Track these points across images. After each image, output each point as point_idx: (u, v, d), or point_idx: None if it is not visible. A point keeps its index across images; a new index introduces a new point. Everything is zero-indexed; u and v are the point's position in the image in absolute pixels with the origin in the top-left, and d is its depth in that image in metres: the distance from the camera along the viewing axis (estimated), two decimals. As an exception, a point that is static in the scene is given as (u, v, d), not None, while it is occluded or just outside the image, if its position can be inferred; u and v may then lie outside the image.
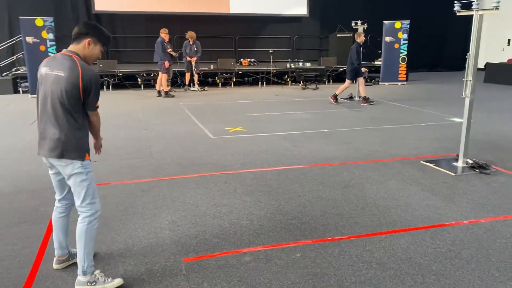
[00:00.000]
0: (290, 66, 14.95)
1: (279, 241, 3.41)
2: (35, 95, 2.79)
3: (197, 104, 10.50)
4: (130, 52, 15.82)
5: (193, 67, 12.93)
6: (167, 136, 7.10)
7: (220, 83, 14.22)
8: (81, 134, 2.67)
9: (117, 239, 3.47)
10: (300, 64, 15.16)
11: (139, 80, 13.39)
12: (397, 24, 14.55)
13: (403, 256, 3.15)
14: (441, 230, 3.58)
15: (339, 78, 15.50)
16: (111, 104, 10.44)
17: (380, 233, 3.53)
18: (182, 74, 13.42)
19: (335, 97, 10.65)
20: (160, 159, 5.80)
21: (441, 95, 12.05)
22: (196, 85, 13.18)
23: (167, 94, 11.76)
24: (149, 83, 13.53)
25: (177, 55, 12.45)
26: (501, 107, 9.88)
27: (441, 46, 19.67)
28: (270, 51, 13.75)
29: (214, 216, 3.90)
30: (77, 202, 2.73)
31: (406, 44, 14.63)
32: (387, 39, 14.68)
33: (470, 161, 5.34)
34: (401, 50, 14.68)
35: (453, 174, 5.07)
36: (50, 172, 2.83)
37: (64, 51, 2.68)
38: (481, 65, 19.83)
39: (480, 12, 4.95)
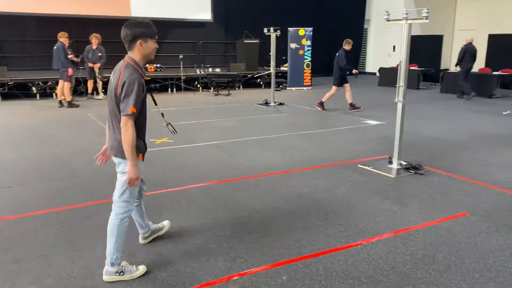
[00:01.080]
0: (200, 72, 14.64)
1: (259, 263, 3.16)
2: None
3: (109, 114, 9.68)
4: (20, 58, 14.12)
5: (97, 74, 11.96)
6: (87, 152, 6.37)
7: (126, 91, 13.34)
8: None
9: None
10: (210, 70, 14.93)
11: (33, 89, 11.99)
12: (301, 31, 15.08)
13: (386, 267, 3.12)
14: (408, 235, 3.64)
15: (248, 84, 15.60)
16: (7, 117, 9.15)
17: (355, 244, 3.47)
18: (84, 82, 12.34)
19: (322, 104, 10.51)
20: (88, 179, 5.15)
21: (346, 99, 12.70)
22: (101, 93, 12.21)
23: (70, 104, 10.68)
24: (45, 92, 12.21)
25: (79, 59, 11.39)
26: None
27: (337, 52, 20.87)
28: (180, 56, 13.31)
29: (178, 242, 3.51)
30: (115, 196, 2.92)
31: (310, 51, 15.24)
32: (292, 45, 15.13)
33: (404, 163, 5.61)
34: (306, 56, 15.25)
35: (393, 176, 5.27)
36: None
37: (125, 58, 2.83)
38: (373, 69, 21.59)
39: (409, 21, 5.22)
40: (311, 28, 15.16)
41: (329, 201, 4.44)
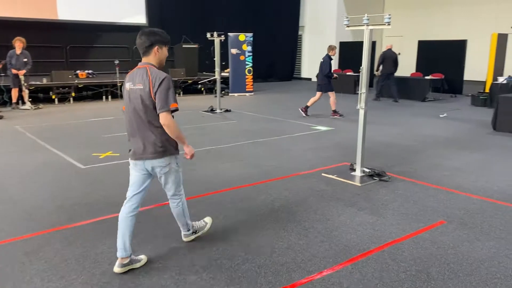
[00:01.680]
0: (137, 79, 13.87)
1: (248, 296, 2.82)
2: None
3: (41, 126, 8.77)
4: None
5: (22, 82, 10.87)
6: (20, 171, 5.62)
7: (56, 99, 12.29)
8: (167, 136, 3.02)
9: None
10: (147, 76, 14.19)
11: None
12: (242, 37, 14.88)
13: (384, 288, 2.92)
14: (395, 249, 3.48)
15: (188, 90, 15.09)
16: None
17: (344, 264, 3.24)
18: (8, 90, 11.17)
19: (306, 108, 10.30)
20: (26, 203, 4.48)
21: (289, 104, 12.68)
22: (28, 103, 11.12)
23: (-7, 115, 9.57)
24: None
25: (1, 66, 10.26)
26: (349, 113, 10.82)
27: (274, 58, 20.98)
28: (116, 62, 12.50)
29: (158, 276, 3.06)
30: (171, 192, 3.27)
31: (251, 56, 15.08)
32: (233, 51, 14.88)
33: (367, 170, 5.53)
34: (247, 62, 15.06)
35: (359, 185, 5.16)
36: (133, 169, 3.14)
37: (139, 64, 2.98)
38: (308, 75, 21.96)
39: (370, 27, 5.16)
40: (251, 34, 15.01)
41: (304, 215, 4.19)
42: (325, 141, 7.63)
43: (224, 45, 14.66)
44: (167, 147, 3.04)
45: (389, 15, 4.91)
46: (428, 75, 14.25)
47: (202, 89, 15.20)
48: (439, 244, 3.57)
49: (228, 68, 15.25)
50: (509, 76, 12.04)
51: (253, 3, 19.86)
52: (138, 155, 3.04)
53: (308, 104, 10.44)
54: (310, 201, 4.58)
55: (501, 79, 11.97)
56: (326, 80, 10.11)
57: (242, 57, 14.96)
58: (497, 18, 18.00)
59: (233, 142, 7.43)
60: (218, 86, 11.30)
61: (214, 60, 11.32)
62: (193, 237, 3.55)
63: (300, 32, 22.03)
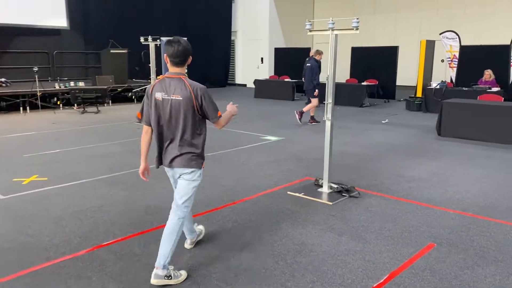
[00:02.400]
0: (60, 87, 12.54)
1: None
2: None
3: None
4: None
5: None
6: None
7: (-37, 112, 10.67)
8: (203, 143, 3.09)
9: None
10: (72, 84, 12.90)
11: None
12: (175, 41, 14.04)
13: None
14: (396, 285, 3.04)
15: (118, 98, 13.95)
16: None
17: (347, 310, 2.73)
18: None
19: (301, 113, 9.95)
20: None
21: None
22: None
23: None
24: None
25: None
26: (290, 121, 10.48)
27: (208, 64, 20.33)
28: (35, 69, 11.11)
29: None
30: (179, 201, 3.08)
31: (186, 62, 14.29)
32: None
33: (335, 185, 5.12)
34: (181, 68, 14.24)
35: (330, 203, 4.71)
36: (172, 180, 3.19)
37: (169, 74, 2.96)
38: (242, 81, 21.57)
39: (335, 32, 4.75)
40: (185, 38, 14.18)
41: (281, 246, 3.63)
42: (280, 152, 7.16)
43: (156, 50, 13.80)
44: (199, 159, 3.08)
45: (357, 18, 4.53)
46: (363, 81, 14.44)
47: (133, 97, 14.14)
48: (440, 274, 3.19)
49: (161, 74, 14.31)
50: (442, 81, 12.47)
51: (183, 7, 19.08)
52: (171, 162, 3.04)
53: (311, 113, 10.17)
54: (284, 228, 4.04)
55: (434, 84, 12.35)
56: (312, 86, 9.90)
57: (176, 63, 14.11)
58: (421, 25, 18.86)
59: (179, 158, 6.70)
60: (154, 95, 10.41)
61: (149, 66, 10.44)
62: (164, 282, 3.01)
63: (233, 37, 21.59)
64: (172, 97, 2.87)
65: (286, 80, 16.02)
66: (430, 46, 14.70)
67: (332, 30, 4.74)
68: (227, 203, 4.67)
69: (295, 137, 8.49)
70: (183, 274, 3.09)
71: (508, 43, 13.26)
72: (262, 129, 9.29)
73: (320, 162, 6.38)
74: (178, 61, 2.90)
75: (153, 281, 2.97)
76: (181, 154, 2.98)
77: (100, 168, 6.07)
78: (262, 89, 16.38)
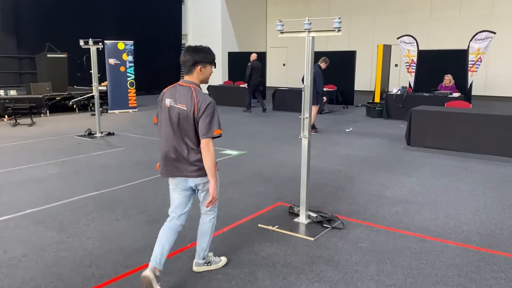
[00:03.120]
0: (-14, 96, 11.02)
1: None
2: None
3: None
4: None
5: None
6: None
7: None
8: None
9: None
10: (1, 92, 11.39)
11: None
12: (121, 45, 12.90)
13: None
14: None
15: (57, 108, 12.55)
16: None
17: None
18: None
19: (313, 127, 9.21)
20: None
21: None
22: None
23: None
24: None
25: None
26: (249, 131, 9.71)
27: (158, 69, 19.18)
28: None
29: None
30: (205, 208, 3.09)
31: (133, 67, 13.16)
32: (111, 61, 12.82)
33: (313, 214, 4.36)
34: (128, 74, 13.11)
35: (312, 239, 3.94)
36: (175, 191, 3.06)
37: (182, 81, 2.93)
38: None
39: (312, 34, 4.01)
40: (131, 42, 13.10)
41: (262, 310, 2.81)
42: (243, 170, 6.33)
43: (100, 55, 12.56)
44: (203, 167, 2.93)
45: (339, 18, 3.80)
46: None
47: (75, 106, 12.81)
48: None
49: (106, 81, 13.10)
50: (402, 86, 12.17)
51: (130, 9, 17.84)
52: (177, 172, 2.97)
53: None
54: (260, 280, 3.20)
55: (394, 90, 12.02)
56: (314, 92, 9.05)
57: (122, 68, 12.97)
58: (375, 29, 18.74)
59: (125, 181, 5.70)
60: (97, 105, 9.27)
61: (90, 73, 9.28)
62: (204, 268, 3.30)
63: (183, 41, 20.54)
64: (177, 105, 2.84)
65: (241, 85, 15.22)
66: (387, 50, 14.46)
67: (309, 31, 3.98)
68: (181, 246, 3.75)
69: (258, 150, 7.70)
70: (223, 259, 3.38)
71: (465, 47, 13.22)
72: (219, 142, 8.36)
73: (290, 182, 5.64)
74: (186, 70, 2.89)
75: (195, 268, 3.27)
76: (189, 164, 2.92)
77: (31, 198, 4.97)
78: (216, 95, 15.45)
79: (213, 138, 2.82)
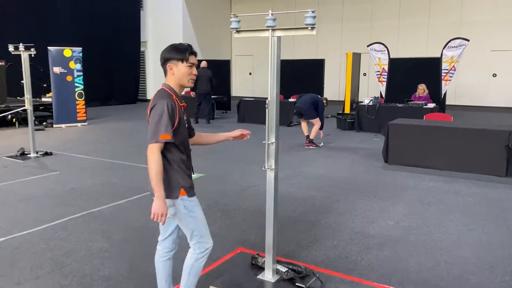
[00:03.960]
0: None
1: None
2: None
3: None
4: None
5: None
6: None
7: None
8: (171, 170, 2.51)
9: None
10: None
11: None
12: (67, 52, 11.61)
13: None
14: None
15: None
16: None
17: None
18: None
19: (311, 142, 8.86)
20: None
21: (138, 137, 9.97)
22: None
23: None
24: None
25: None
26: (214, 148, 8.65)
27: (114, 78, 17.85)
28: None
29: None
30: (189, 242, 2.67)
31: (82, 76, 11.87)
32: (56, 70, 11.50)
33: (283, 269, 3.34)
34: (76, 84, 11.81)
35: (281, 307, 2.93)
36: None
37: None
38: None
39: (278, 34, 3.03)
40: (80, 49, 11.81)
41: None
42: (200, 200, 5.27)
43: (43, 61, 11.24)
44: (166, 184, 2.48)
45: (313, 12, 2.85)
46: (288, 97, 13.06)
47: (14, 120, 11.39)
48: None
49: (50, 92, 11.77)
50: (375, 97, 11.44)
51: (84, 14, 16.51)
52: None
53: (311, 136, 8.90)
54: None
55: (366, 101, 11.28)
56: (313, 108, 8.82)
57: (69, 78, 11.66)
58: (342, 37, 18.15)
59: (47, 220, 4.53)
60: (30, 121, 7.98)
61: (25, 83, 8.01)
62: None
63: (142, 48, 19.31)
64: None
65: (191, 95, 14.15)
66: (356, 59, 13.80)
67: (273, 30, 3.01)
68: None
69: (217, 172, 6.66)
70: None
71: (435, 55, 12.71)
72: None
73: (254, 215, 4.64)
74: (164, 71, 2.59)
75: None
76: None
77: None
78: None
79: (160, 143, 2.39)
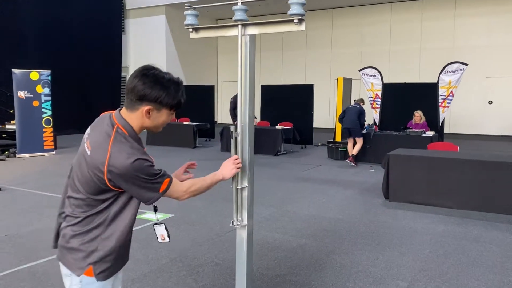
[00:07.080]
0: None
1: None
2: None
3: None
4: None
5: None
6: None
7: None
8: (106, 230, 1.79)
9: None
10: None
11: None
12: (34, 75, 10.63)
13: None
14: None
15: None
16: None
17: None
18: None
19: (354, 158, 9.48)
20: None
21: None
22: None
23: None
24: None
25: None
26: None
27: (92, 103, 16.86)
28: None
29: None
30: None
31: (50, 102, 10.87)
32: (21, 94, 10.49)
33: None
34: (44, 110, 10.78)
35: None
36: None
37: (115, 113, 1.79)
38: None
39: (250, 31, 2.11)
40: (48, 71, 10.84)
41: None
42: (160, 250, 4.23)
43: (8, 86, 10.28)
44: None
45: (304, 1, 1.94)
46: (276, 125, 12.17)
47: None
48: None
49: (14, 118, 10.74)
50: (369, 124, 10.58)
51: (60, 36, 15.65)
52: None
53: (354, 152, 9.56)
54: None
55: (360, 128, 10.40)
56: (359, 125, 9.58)
57: (35, 103, 10.64)
58: (331, 62, 17.52)
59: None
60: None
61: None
62: None
63: (124, 74, 18.44)
64: (86, 143, 1.87)
65: (185, 123, 13.24)
66: (347, 84, 13.05)
67: (244, 26, 2.08)
68: None
69: (189, 212, 5.63)
70: None
71: (429, 80, 12.00)
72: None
73: (230, 273, 3.58)
74: (127, 102, 1.76)
75: None
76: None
77: None
78: (156, 134, 13.35)
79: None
